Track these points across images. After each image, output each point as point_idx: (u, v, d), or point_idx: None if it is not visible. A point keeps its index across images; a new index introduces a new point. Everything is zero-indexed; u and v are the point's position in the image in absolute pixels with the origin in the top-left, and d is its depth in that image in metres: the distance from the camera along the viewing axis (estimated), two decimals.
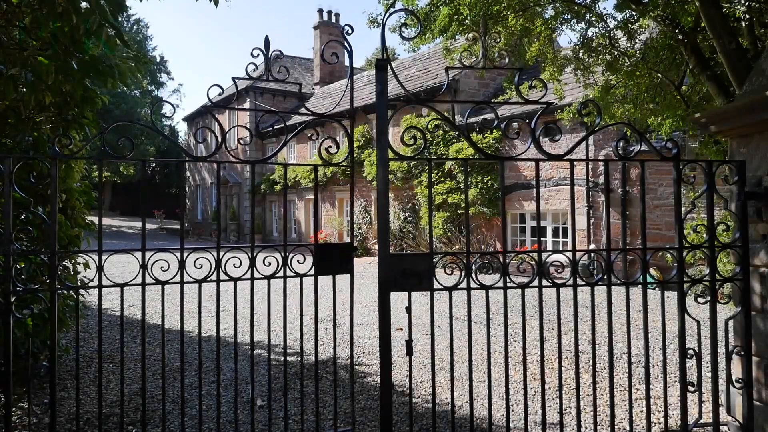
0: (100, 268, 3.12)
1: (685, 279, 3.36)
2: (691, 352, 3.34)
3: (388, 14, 3.40)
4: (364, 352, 6.17)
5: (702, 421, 3.65)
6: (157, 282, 3.21)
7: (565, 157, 3.51)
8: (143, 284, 3.19)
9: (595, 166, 12.72)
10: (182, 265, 3.21)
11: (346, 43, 3.52)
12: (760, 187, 3.20)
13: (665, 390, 3.47)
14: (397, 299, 9.63)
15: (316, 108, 24.09)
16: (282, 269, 3.45)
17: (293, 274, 3.48)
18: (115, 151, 3.23)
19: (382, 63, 3.26)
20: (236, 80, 3.78)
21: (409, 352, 3.18)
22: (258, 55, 3.55)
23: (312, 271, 3.50)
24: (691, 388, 3.36)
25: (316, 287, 3.68)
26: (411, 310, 3.28)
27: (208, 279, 3.27)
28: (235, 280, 3.37)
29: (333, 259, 3.59)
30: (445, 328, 7.38)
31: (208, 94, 3.50)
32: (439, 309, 8.83)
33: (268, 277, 3.45)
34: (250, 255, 3.38)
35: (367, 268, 15.77)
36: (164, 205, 42.78)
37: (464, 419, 4.18)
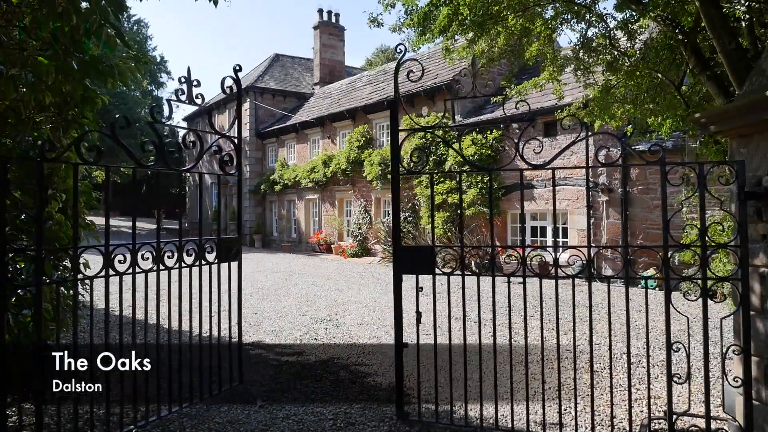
0: (74, 264, 3.47)
1: (673, 276, 3.54)
2: (678, 345, 3.45)
3: (401, 59, 4.16)
4: (364, 352, 6.16)
5: (691, 411, 3.77)
6: (117, 273, 3.71)
7: (547, 167, 3.85)
8: (107, 275, 3.66)
9: (595, 166, 12.70)
10: (134, 257, 3.84)
11: (234, 78, 4.79)
12: (760, 187, 3.20)
13: (648, 380, 3.59)
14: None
15: (314, 108, 24.09)
16: (199, 259, 4.49)
17: (206, 263, 4.53)
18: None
19: (393, 102, 4.32)
20: (171, 101, 4.49)
21: (419, 321, 4.15)
22: (184, 81, 4.28)
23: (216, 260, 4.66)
24: (679, 380, 3.48)
25: (219, 273, 4.61)
26: (418, 290, 4.10)
27: (152, 270, 4.00)
28: (169, 269, 4.14)
29: (230, 251, 4.74)
30: (445, 328, 7.38)
31: (152, 113, 4.17)
32: (439, 308, 8.83)
33: (190, 266, 4.35)
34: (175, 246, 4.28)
35: (367, 268, 15.77)
36: (164, 205, 42.76)
37: (467, 418, 4.17)
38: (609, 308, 3.70)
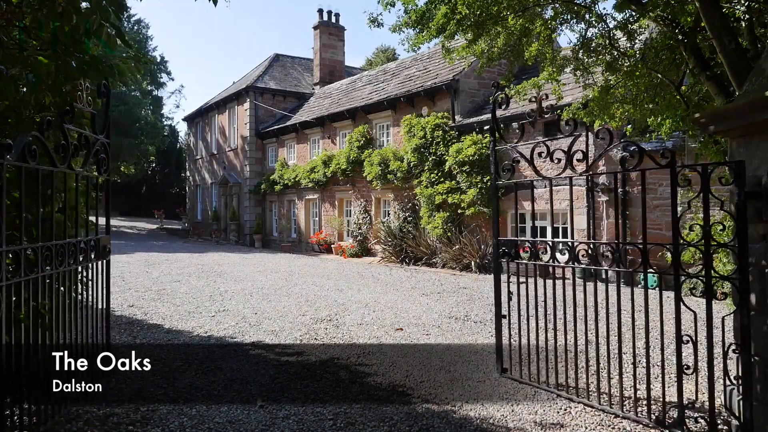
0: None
1: (680, 273, 3.68)
2: (686, 338, 3.57)
3: (496, 94, 5.12)
4: (364, 353, 6.16)
5: (700, 400, 4.00)
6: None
7: (588, 173, 4.44)
8: None
9: (595, 166, 12.72)
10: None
11: (106, 85, 4.46)
12: (760, 187, 3.20)
13: (663, 371, 3.79)
14: (398, 298, 9.63)
15: (314, 108, 24.10)
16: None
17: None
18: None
19: (492, 130, 5.42)
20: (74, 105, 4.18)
21: (510, 299, 4.98)
22: (79, 89, 4.13)
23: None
24: (687, 371, 3.64)
25: (95, 271, 4.50)
26: (509, 273, 4.99)
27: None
28: (42, 274, 3.68)
29: (104, 249, 4.77)
30: (445, 328, 7.38)
31: (61, 114, 3.82)
32: (439, 308, 8.82)
33: (79, 266, 4.24)
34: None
35: (367, 268, 15.77)
36: (164, 205, 42.79)
37: (464, 419, 4.18)
38: (632, 307, 3.81)
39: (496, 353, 5.26)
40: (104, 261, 4.68)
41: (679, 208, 3.82)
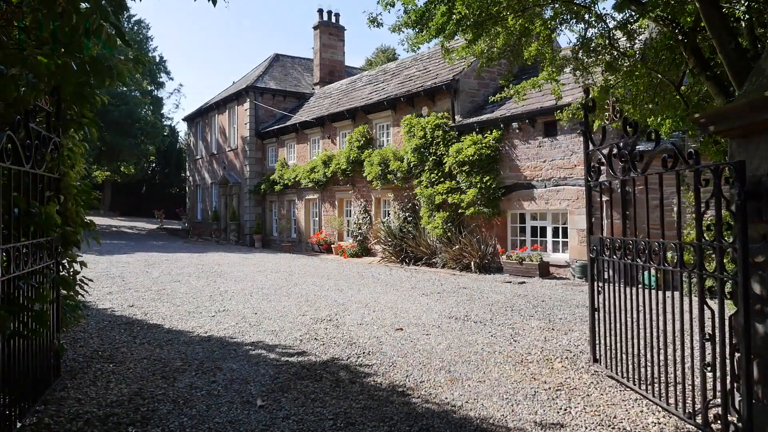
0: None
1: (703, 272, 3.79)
2: (707, 336, 3.65)
3: (587, 99, 5.37)
4: (364, 352, 6.16)
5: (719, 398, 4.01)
6: None
7: (644, 173, 4.61)
8: None
9: (650, 167, 12.71)
10: None
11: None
12: (760, 187, 3.20)
13: (693, 370, 3.93)
14: (398, 298, 9.63)
15: (314, 108, 24.10)
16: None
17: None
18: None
19: (584, 133, 5.91)
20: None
21: (596, 293, 5.47)
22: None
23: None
24: (708, 368, 3.70)
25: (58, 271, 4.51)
26: (593, 274, 5.51)
27: None
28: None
29: (57, 250, 4.70)
30: (445, 328, 7.38)
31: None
32: (439, 308, 8.83)
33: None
34: None
35: (367, 268, 15.77)
36: (164, 205, 42.80)
37: (464, 419, 4.18)
38: (670, 309, 3.74)
39: (590, 344, 5.67)
40: (55, 261, 4.66)
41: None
